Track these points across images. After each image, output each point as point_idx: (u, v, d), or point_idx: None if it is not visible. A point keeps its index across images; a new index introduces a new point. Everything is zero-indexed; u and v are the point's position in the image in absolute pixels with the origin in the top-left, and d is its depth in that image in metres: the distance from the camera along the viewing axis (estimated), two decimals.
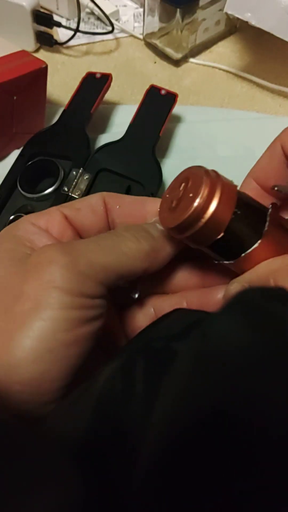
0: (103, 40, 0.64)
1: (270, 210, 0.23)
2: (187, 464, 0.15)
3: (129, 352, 0.22)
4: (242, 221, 0.22)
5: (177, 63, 0.61)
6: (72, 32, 0.61)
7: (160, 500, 0.15)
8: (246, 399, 0.16)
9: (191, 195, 0.22)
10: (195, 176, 0.23)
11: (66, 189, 0.45)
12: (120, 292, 0.27)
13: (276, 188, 0.24)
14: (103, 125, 0.55)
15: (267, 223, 0.23)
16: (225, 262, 0.24)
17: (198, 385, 0.17)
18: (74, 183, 0.45)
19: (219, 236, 0.22)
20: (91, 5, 0.63)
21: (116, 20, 0.65)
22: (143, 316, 0.29)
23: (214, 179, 0.23)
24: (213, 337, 0.19)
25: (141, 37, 0.64)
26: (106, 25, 0.64)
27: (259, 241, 0.23)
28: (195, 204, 0.22)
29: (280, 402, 0.16)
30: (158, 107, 0.51)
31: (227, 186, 0.23)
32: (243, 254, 0.23)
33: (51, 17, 0.60)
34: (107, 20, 0.63)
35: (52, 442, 0.18)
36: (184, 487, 0.15)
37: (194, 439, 0.15)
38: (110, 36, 0.64)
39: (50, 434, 0.19)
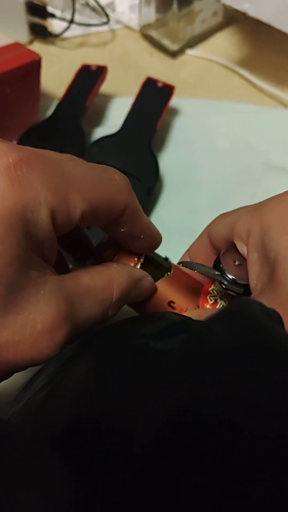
0: (98, 32, 0.63)
1: (172, 265, 0.29)
2: (177, 461, 0.15)
3: (105, 348, 0.22)
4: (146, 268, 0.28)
5: (174, 55, 0.60)
6: (66, 24, 0.60)
7: (151, 495, 0.15)
8: (234, 402, 0.16)
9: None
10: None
11: None
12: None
13: (183, 265, 0.29)
14: (98, 118, 0.54)
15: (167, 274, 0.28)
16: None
17: (188, 385, 0.17)
18: None
19: None
20: None
21: (112, 11, 0.64)
22: None
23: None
24: (205, 339, 0.19)
25: (137, 28, 0.63)
26: (101, 16, 0.63)
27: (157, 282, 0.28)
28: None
29: (266, 408, 0.16)
30: (154, 100, 0.50)
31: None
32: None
33: (45, 8, 0.59)
34: (102, 11, 0.62)
35: (32, 438, 0.18)
36: (174, 483, 0.15)
37: (184, 438, 0.15)
38: (105, 28, 0.63)
39: (27, 430, 0.19)
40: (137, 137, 0.47)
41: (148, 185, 0.44)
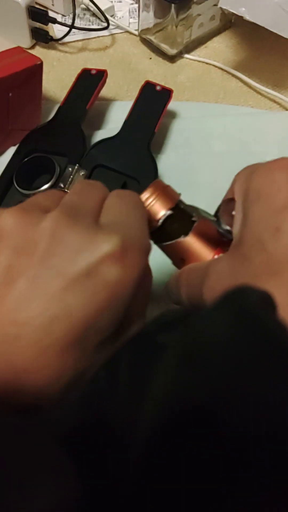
0: (98, 36, 0.64)
1: (197, 218, 0.31)
2: (175, 455, 0.16)
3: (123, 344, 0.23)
4: (174, 219, 0.31)
5: (172, 59, 0.62)
6: (67, 29, 0.61)
7: (151, 489, 0.15)
8: (230, 398, 0.17)
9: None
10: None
11: (62, 185, 0.45)
12: None
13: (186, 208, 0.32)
14: (98, 121, 0.55)
15: (193, 226, 0.31)
16: (159, 244, 0.32)
17: (185, 379, 0.18)
18: (70, 179, 0.45)
19: (157, 224, 0.31)
20: (86, 1, 0.63)
21: (112, 16, 0.65)
22: None
23: (158, 186, 0.31)
24: (201, 332, 0.20)
25: (136, 33, 0.64)
26: (101, 21, 0.64)
27: (183, 237, 0.31)
28: (142, 197, 0.31)
29: (261, 402, 0.16)
30: (153, 103, 0.51)
31: (166, 193, 0.32)
32: (168, 242, 0.31)
33: (46, 13, 0.60)
34: (102, 16, 0.63)
35: (44, 432, 0.18)
36: (173, 477, 0.15)
37: (182, 432, 0.16)
38: (105, 32, 0.64)
39: (42, 424, 0.20)
40: (136, 139, 0.48)
41: (147, 187, 0.45)
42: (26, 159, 0.47)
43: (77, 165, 0.46)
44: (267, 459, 0.15)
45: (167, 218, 0.31)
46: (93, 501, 0.16)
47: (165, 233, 0.31)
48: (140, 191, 0.45)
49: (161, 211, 0.31)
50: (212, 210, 0.33)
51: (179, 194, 0.32)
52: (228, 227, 0.30)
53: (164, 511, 0.15)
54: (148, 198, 0.31)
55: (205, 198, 0.49)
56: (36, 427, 0.19)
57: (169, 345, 0.20)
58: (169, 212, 0.31)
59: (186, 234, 0.31)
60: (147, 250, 0.26)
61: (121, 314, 0.24)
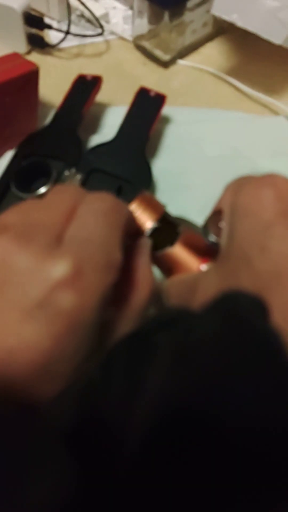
0: (93, 43, 0.65)
1: (182, 229, 0.32)
2: (169, 452, 0.16)
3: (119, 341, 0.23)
4: (160, 230, 0.31)
5: (165, 64, 0.63)
6: (62, 35, 0.62)
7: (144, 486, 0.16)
8: (220, 395, 0.17)
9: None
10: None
11: None
12: None
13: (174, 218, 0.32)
14: (94, 126, 0.56)
15: (178, 237, 0.31)
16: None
17: (177, 378, 0.18)
18: (66, 183, 0.46)
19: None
20: (81, 7, 0.64)
21: (106, 22, 0.66)
22: None
23: (144, 199, 0.32)
24: (193, 333, 0.20)
25: (130, 39, 0.65)
26: (96, 27, 0.65)
27: (170, 247, 0.31)
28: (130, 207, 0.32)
29: (250, 399, 0.17)
30: (147, 109, 0.52)
31: (151, 205, 0.32)
32: (156, 253, 0.31)
33: (42, 19, 0.61)
34: (97, 22, 0.64)
35: (44, 427, 0.19)
36: (166, 474, 0.16)
37: (174, 429, 0.16)
38: (100, 39, 0.65)
39: (43, 419, 0.20)
40: (131, 144, 0.49)
41: (141, 190, 0.46)
42: (23, 163, 0.48)
43: (74, 169, 0.47)
44: (257, 451, 0.16)
45: (153, 230, 0.31)
46: (89, 494, 0.16)
47: (152, 244, 0.31)
48: (135, 194, 0.46)
49: (147, 223, 0.31)
50: (204, 214, 0.34)
51: (164, 206, 0.33)
52: (215, 238, 0.30)
53: (157, 507, 0.15)
54: (134, 211, 0.31)
55: (197, 201, 0.51)
56: (35, 422, 0.20)
57: (163, 344, 0.20)
58: (155, 224, 0.31)
59: (172, 244, 0.31)
60: (112, 265, 0.23)
61: (92, 338, 0.22)
